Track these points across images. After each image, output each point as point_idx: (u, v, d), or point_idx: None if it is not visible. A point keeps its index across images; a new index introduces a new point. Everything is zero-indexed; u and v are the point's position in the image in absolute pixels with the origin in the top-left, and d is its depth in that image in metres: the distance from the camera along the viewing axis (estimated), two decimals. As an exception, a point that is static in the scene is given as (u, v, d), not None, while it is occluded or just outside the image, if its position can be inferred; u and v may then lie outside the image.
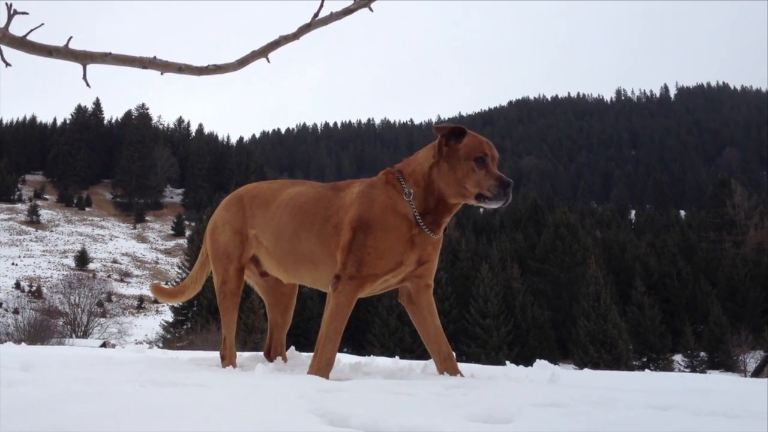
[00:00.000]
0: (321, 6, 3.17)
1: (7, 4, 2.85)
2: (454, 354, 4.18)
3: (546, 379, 4.04)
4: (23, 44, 2.89)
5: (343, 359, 4.94)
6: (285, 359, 4.81)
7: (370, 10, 3.23)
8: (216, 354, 4.97)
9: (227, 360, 4.48)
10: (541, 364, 5.24)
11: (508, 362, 5.48)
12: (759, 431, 2.35)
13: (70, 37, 2.94)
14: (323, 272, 4.18)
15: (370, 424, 2.48)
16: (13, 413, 2.35)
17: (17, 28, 2.88)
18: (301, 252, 4.26)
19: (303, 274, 4.39)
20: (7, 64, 2.85)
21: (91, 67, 3.07)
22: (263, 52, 3.19)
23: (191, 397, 2.84)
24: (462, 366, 4.30)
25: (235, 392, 2.97)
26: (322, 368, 3.83)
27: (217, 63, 3.16)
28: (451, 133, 3.98)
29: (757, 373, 55.71)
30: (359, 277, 3.92)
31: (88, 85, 2.99)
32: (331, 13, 3.22)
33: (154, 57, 2.97)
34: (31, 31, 2.85)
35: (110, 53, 2.99)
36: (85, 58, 2.96)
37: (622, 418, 2.60)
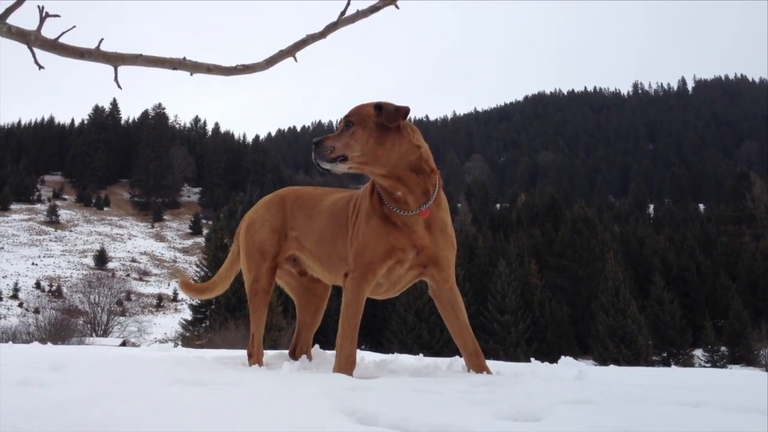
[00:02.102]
0: (348, 4, 3.18)
1: (39, 6, 2.86)
2: (480, 351, 4.15)
3: (573, 376, 4.02)
4: (55, 47, 2.91)
5: (368, 357, 4.95)
6: (310, 357, 4.82)
7: (396, 7, 3.22)
8: (241, 353, 4.99)
9: (254, 358, 4.50)
10: (566, 361, 5.23)
11: (533, 359, 5.46)
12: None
13: (102, 39, 2.96)
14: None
15: (399, 422, 2.48)
16: (45, 414, 2.38)
17: (49, 31, 2.90)
18: (339, 255, 4.31)
19: (342, 276, 4.37)
20: (40, 67, 2.87)
21: (109, 68, 3.09)
22: (291, 51, 3.20)
23: (220, 396, 2.85)
24: (488, 363, 4.28)
25: (264, 391, 2.98)
26: (343, 366, 3.84)
27: (246, 63, 3.18)
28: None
29: (778, 367, 55.30)
30: (358, 269, 3.96)
31: (119, 86, 3.01)
32: (358, 11, 3.23)
33: (184, 58, 2.99)
34: (63, 33, 2.87)
35: (141, 55, 3.01)
36: (116, 60, 2.99)
37: (653, 415, 2.58)
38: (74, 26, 2.91)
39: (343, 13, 3.23)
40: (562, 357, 5.52)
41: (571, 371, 4.26)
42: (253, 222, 4.73)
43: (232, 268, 5.08)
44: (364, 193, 4.12)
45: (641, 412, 2.63)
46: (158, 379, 3.21)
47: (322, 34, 3.26)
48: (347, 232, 4.20)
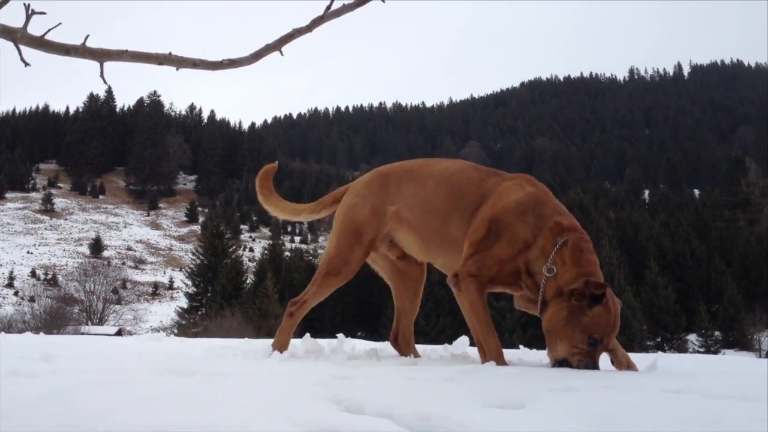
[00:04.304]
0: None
1: (25, 4, 2.88)
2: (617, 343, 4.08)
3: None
4: (41, 44, 2.93)
5: (359, 345, 4.98)
6: (416, 353, 4.66)
7: (382, 0, 3.24)
8: (234, 341, 5.01)
9: (294, 320, 4.42)
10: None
11: (521, 346, 5.50)
12: (770, 414, 2.36)
13: (87, 36, 2.99)
14: (458, 259, 4.04)
15: (385, 411, 2.51)
16: (34, 404, 2.41)
17: (35, 28, 2.92)
18: (447, 233, 4.14)
19: (440, 254, 4.25)
20: (27, 64, 2.90)
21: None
22: (277, 45, 3.22)
23: (209, 386, 2.88)
24: (473, 350, 4.32)
25: (253, 380, 3.02)
26: (497, 359, 3.82)
27: (232, 57, 3.20)
28: (591, 296, 3.55)
29: (772, 352, 55.63)
30: (481, 277, 3.89)
31: (105, 82, 3.03)
32: (344, 5, 3.24)
33: (170, 53, 3.01)
34: (49, 30, 2.89)
35: (127, 50, 3.03)
36: (102, 56, 3.01)
37: (634, 402, 2.62)
38: (60, 23, 2.93)
39: (329, 7, 3.25)
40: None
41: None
42: (354, 205, 4.46)
43: (293, 214, 4.93)
44: (527, 215, 3.86)
45: (623, 399, 2.66)
46: (148, 369, 3.25)
47: (308, 28, 3.27)
48: (468, 215, 4.03)
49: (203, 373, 3.18)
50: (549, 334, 3.67)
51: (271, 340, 4.60)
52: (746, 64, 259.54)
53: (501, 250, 3.83)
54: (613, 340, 3.64)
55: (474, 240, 3.90)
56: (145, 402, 2.49)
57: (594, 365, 3.53)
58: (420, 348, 4.84)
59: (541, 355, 4.66)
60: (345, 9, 3.25)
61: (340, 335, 4.73)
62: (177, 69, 3.09)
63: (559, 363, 3.59)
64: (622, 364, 3.84)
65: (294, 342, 4.49)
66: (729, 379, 3.15)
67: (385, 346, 4.96)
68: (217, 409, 2.42)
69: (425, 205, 4.22)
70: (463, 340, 4.89)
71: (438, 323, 55.75)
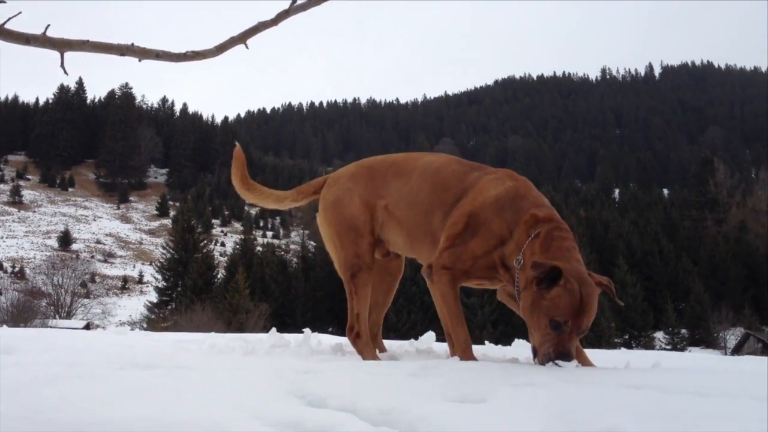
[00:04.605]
0: None
1: (-17, -6, 2.84)
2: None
3: (524, 358, 4.10)
4: (1, 33, 2.88)
5: (325, 340, 4.98)
6: (382, 347, 4.65)
7: (347, -5, 3.24)
8: (201, 335, 4.98)
9: (364, 338, 4.22)
10: (520, 344, 5.31)
11: (487, 342, 5.54)
12: (726, 410, 2.40)
13: (48, 26, 2.95)
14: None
15: (347, 405, 2.52)
16: (-5, 396, 2.38)
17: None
18: (430, 227, 4.15)
19: (424, 250, 4.27)
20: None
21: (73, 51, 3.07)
22: (242, 38, 3.20)
23: (171, 379, 2.87)
24: (439, 345, 4.35)
25: (216, 374, 3.01)
26: (465, 350, 3.85)
27: (196, 49, 3.16)
28: (546, 276, 3.46)
29: (737, 350, 56.49)
30: (456, 270, 3.91)
31: (65, 72, 2.99)
32: None
33: (132, 44, 2.97)
34: (9, 19, 2.85)
35: (88, 41, 2.99)
36: (63, 45, 2.97)
37: (594, 397, 2.65)
38: (20, 12, 2.89)
39: (294, 0, 3.23)
40: (516, 340, 5.61)
41: (523, 353, 4.34)
42: (339, 198, 4.42)
43: (276, 202, 4.80)
44: (502, 222, 3.85)
45: (584, 394, 2.69)
46: (110, 363, 3.22)
47: (274, 22, 3.25)
48: (448, 208, 4.04)
49: (165, 366, 3.16)
50: (527, 325, 3.65)
51: (240, 334, 4.59)
52: (716, 66, 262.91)
53: (476, 246, 3.85)
54: (585, 321, 3.46)
55: (451, 233, 3.92)
56: (105, 395, 2.48)
57: (563, 351, 3.38)
58: (386, 343, 4.86)
59: (506, 351, 4.70)
60: (311, 3, 3.23)
61: (307, 330, 4.73)
62: (140, 60, 3.06)
63: (533, 350, 3.56)
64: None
65: (260, 336, 4.49)
66: (688, 375, 3.19)
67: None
68: (177, 403, 2.41)
69: (410, 200, 4.24)
70: (430, 335, 4.92)
71: (409, 319, 55.88)
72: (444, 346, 4.77)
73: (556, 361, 3.35)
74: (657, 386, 2.82)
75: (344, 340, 4.70)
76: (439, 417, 2.35)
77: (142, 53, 3.03)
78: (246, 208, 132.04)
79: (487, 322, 54.38)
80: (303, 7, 3.27)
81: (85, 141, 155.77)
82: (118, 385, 2.68)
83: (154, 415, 2.22)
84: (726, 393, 2.68)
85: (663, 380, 2.94)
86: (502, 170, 4.22)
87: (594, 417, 2.34)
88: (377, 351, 4.38)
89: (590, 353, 4.41)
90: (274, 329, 5.00)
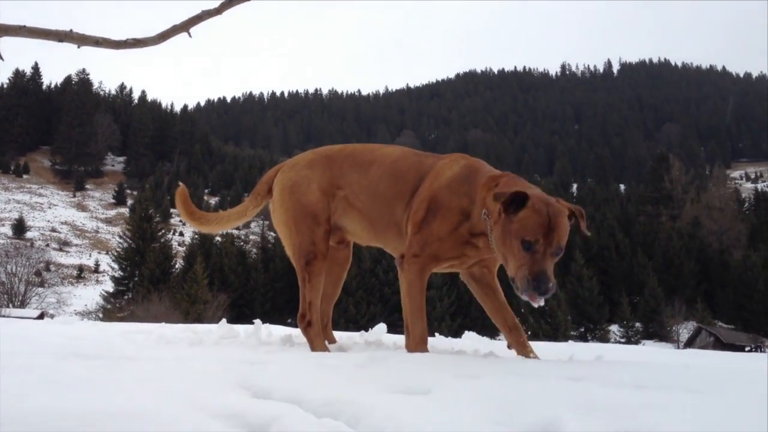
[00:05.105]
0: None
1: None
2: (519, 325, 4.23)
3: (471, 351, 4.14)
4: (-66, 18, 2.81)
5: (275, 331, 4.96)
6: (332, 338, 4.66)
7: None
8: (149, 326, 4.92)
9: (316, 327, 4.20)
10: (469, 336, 5.36)
11: (437, 334, 5.58)
12: (660, 402, 2.46)
13: (-17, 11, 2.88)
14: (404, 242, 4.09)
15: (292, 396, 2.53)
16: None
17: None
18: (393, 217, 4.19)
19: (389, 239, 4.30)
20: None
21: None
22: (185, 26, 3.15)
23: (113, 370, 2.84)
24: (389, 337, 4.37)
25: (160, 365, 2.99)
26: (418, 343, 3.89)
27: (137, 37, 3.11)
28: (511, 201, 3.53)
29: (689, 343, 57.71)
30: (423, 256, 3.93)
31: (1, 58, 2.92)
32: None
33: (71, 30, 2.91)
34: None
35: (24, 26, 2.91)
36: (-3, 30, 2.89)
37: (536, 388, 2.70)
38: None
39: None
40: (466, 332, 5.66)
41: (472, 346, 4.39)
42: (296, 183, 4.38)
43: (249, 213, 4.68)
44: (461, 195, 3.92)
45: (526, 386, 2.74)
46: (53, 353, 3.18)
47: (218, 11, 3.20)
48: (409, 197, 4.09)
49: (110, 357, 3.13)
50: (501, 259, 3.70)
51: (190, 325, 4.55)
52: (673, 64, 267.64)
53: (440, 227, 3.90)
54: (557, 239, 3.50)
55: (416, 220, 3.97)
56: (45, 385, 2.45)
57: (539, 270, 3.40)
58: (337, 334, 4.87)
59: (454, 343, 4.74)
60: (255, -6, 3.21)
61: (257, 321, 4.71)
62: (78, 47, 2.99)
63: (512, 282, 3.55)
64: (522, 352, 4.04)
65: (209, 327, 4.46)
66: (628, 368, 3.26)
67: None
68: (117, 394, 2.39)
69: (371, 191, 4.27)
70: (381, 327, 4.94)
71: (368, 311, 56.01)
72: (395, 338, 4.81)
73: (538, 298, 3.40)
74: (597, 378, 2.88)
75: (294, 332, 4.70)
76: (382, 408, 2.37)
77: (81, 39, 2.97)
78: (205, 198, 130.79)
79: (445, 315, 54.75)
80: (245, -3, 3.23)
81: (41, 127, 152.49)
82: (58, 375, 2.64)
83: (92, 406, 2.19)
84: (662, 385, 2.75)
85: (603, 373, 3.00)
86: (455, 154, 4.32)
87: (534, 408, 2.39)
88: (327, 342, 4.38)
89: (536, 345, 4.48)
90: (224, 320, 4.96)
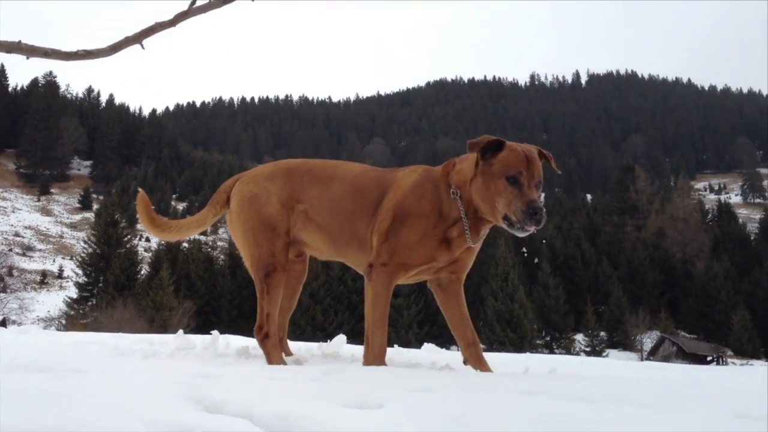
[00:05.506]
0: None
1: None
2: (478, 341, 4.24)
3: (428, 363, 4.15)
4: None
5: (233, 342, 4.92)
6: (288, 351, 4.64)
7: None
8: (104, 337, 4.86)
9: (273, 339, 4.18)
10: (428, 348, 5.38)
11: (396, 345, 5.58)
12: (608, 416, 2.49)
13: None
14: (369, 255, 4.11)
15: (244, 410, 2.51)
16: None
17: None
18: (354, 232, 4.22)
19: (350, 253, 4.33)
20: None
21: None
22: (137, 38, 3.11)
23: (62, 384, 2.79)
24: (348, 348, 4.36)
25: (111, 378, 2.95)
26: (377, 356, 3.89)
27: (88, 48, 3.07)
28: (487, 146, 3.83)
29: (652, 352, 58.44)
30: (392, 265, 3.95)
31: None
32: (210, 1, 3.17)
33: (19, 41, 2.88)
34: None
35: (-30, 37, 2.88)
36: (-55, 40, 2.84)
37: (488, 402, 2.72)
38: None
39: (193, 2, 3.17)
40: (425, 344, 5.67)
41: (430, 358, 4.39)
42: (256, 195, 4.35)
43: (207, 222, 4.64)
44: (425, 193, 4.04)
45: (479, 400, 2.76)
46: (2, 365, 3.12)
47: (172, 23, 3.17)
48: (372, 212, 4.13)
49: (60, 369, 3.08)
50: (488, 208, 3.85)
51: (146, 335, 4.50)
52: (640, 76, 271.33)
53: (408, 235, 3.94)
54: (536, 170, 3.76)
55: (381, 230, 4.00)
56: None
57: (530, 200, 3.64)
58: (295, 345, 4.84)
59: (412, 355, 4.75)
60: (211, 5, 3.18)
61: (215, 332, 4.67)
62: (27, 58, 2.96)
63: (506, 219, 3.75)
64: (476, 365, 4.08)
65: (165, 338, 4.42)
66: (580, 382, 3.29)
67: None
68: (64, 408, 2.35)
69: (332, 207, 4.28)
70: (341, 338, 4.93)
71: (336, 318, 55.87)
72: (354, 349, 4.80)
73: (533, 227, 3.64)
74: (550, 392, 2.91)
75: (252, 342, 4.66)
76: (335, 422, 2.37)
77: (30, 51, 2.93)
78: (173, 203, 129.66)
79: (413, 323, 54.80)
80: (202, 9, 3.21)
81: (6, 130, 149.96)
82: (4, 389, 2.59)
83: (36, 422, 2.16)
84: (612, 400, 2.78)
85: (556, 386, 3.03)
86: (414, 165, 4.39)
87: (486, 422, 2.40)
88: (284, 354, 4.36)
89: (495, 357, 4.51)
90: (181, 331, 4.91)
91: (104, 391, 2.67)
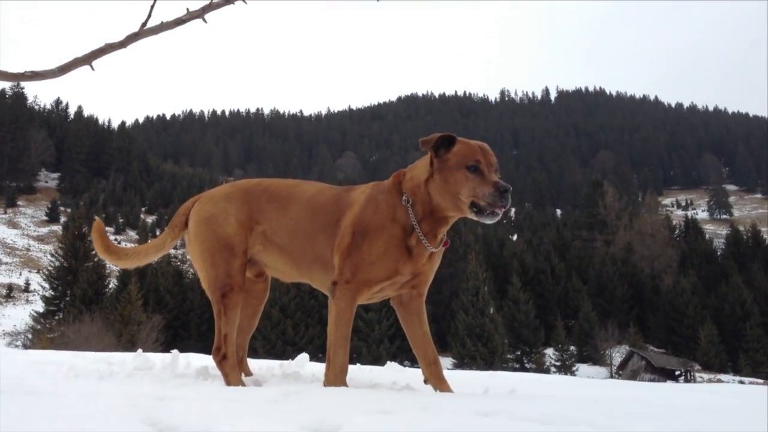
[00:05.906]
0: (149, 15, 3.07)
1: None
2: (439, 360, 4.23)
3: (389, 383, 4.14)
4: None
5: (193, 362, 4.86)
6: (248, 371, 4.58)
7: (204, 21, 3.18)
8: (62, 356, 4.78)
9: (231, 360, 4.14)
10: (391, 366, 5.37)
11: (358, 364, 5.56)
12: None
13: None
14: (332, 275, 4.08)
15: (199, 433, 2.49)
16: None
17: None
18: (316, 252, 4.21)
19: (314, 274, 4.29)
20: None
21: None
22: (87, 59, 3.06)
23: (14, 407, 2.73)
24: (310, 367, 4.33)
25: (63, 401, 2.90)
26: (337, 376, 3.86)
27: (35, 69, 3.02)
28: (440, 143, 3.90)
29: (621, 367, 58.87)
30: (355, 282, 3.93)
31: None
32: (162, 22, 3.14)
33: (-34, 62, 2.83)
34: None
35: None
36: None
37: (445, 424, 2.72)
38: None
39: (144, 24, 3.14)
40: (388, 362, 5.67)
41: (391, 376, 4.38)
42: (214, 215, 4.32)
43: (166, 247, 4.59)
44: (379, 205, 4.05)
45: (436, 422, 2.75)
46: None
47: (122, 44, 3.12)
48: (332, 231, 4.12)
49: (13, 392, 3.02)
50: (451, 203, 3.88)
51: (105, 354, 4.43)
52: (608, 93, 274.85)
53: (370, 250, 3.94)
54: (492, 158, 3.89)
55: (342, 247, 3.99)
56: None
57: (495, 183, 3.75)
58: (255, 364, 4.81)
59: (374, 374, 4.73)
60: (163, 27, 3.15)
61: (174, 351, 4.62)
62: (-27, 78, 2.91)
63: (474, 207, 3.78)
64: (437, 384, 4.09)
65: (124, 357, 4.36)
66: (538, 402, 3.31)
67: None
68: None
69: (291, 228, 4.27)
70: (303, 357, 4.90)
71: (307, 333, 55.57)
72: (316, 368, 4.77)
73: (502, 209, 3.74)
74: (507, 413, 2.92)
75: (212, 362, 4.62)
76: (290, 445, 2.35)
77: (-26, 70, 2.87)
78: (142, 216, 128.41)
79: (384, 337, 54.69)
80: (154, 31, 3.18)
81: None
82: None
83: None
84: (569, 420, 2.80)
85: (514, 407, 3.04)
86: (368, 183, 4.39)
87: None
88: (243, 375, 4.33)
89: (458, 375, 4.51)
90: (140, 350, 4.86)
91: (56, 415, 2.62)
